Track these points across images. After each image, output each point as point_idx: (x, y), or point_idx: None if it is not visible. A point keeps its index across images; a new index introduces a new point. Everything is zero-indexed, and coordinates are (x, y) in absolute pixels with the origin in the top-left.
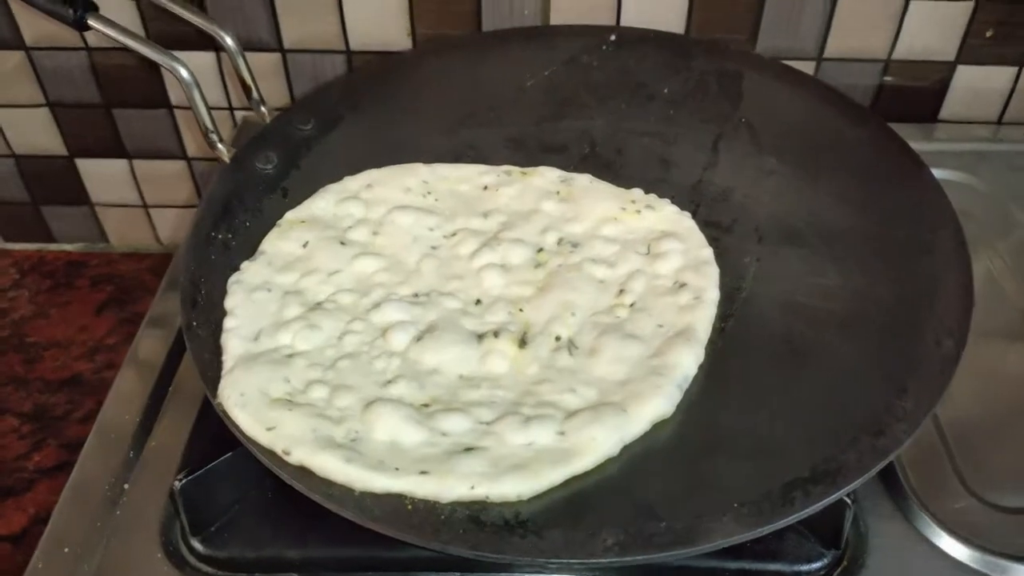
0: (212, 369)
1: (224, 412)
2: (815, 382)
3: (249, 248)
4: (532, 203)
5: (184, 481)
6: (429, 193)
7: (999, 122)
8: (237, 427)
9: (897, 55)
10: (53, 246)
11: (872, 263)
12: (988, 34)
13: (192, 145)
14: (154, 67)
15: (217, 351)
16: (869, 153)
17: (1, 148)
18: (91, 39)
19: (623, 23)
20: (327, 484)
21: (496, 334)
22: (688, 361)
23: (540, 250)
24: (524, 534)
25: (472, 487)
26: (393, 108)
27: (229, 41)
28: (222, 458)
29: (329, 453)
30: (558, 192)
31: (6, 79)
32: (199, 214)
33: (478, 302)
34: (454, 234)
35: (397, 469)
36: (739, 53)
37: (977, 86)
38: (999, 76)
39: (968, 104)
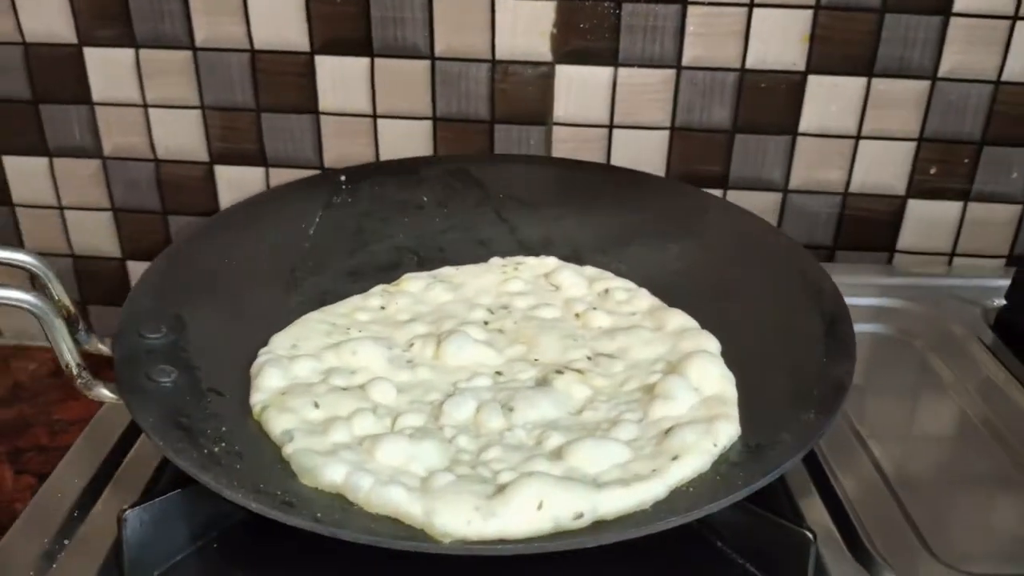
0: None
1: None
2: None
3: (250, 455)
4: (433, 298)
5: (133, 509)
6: (348, 328)
7: (952, 252)
8: None
9: (853, 188)
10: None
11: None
12: (932, 171)
13: None
14: (209, 179)
15: None
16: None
17: (64, 248)
18: (160, 151)
19: (614, 158)
20: None
21: (559, 372)
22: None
23: (486, 323)
24: None
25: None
26: (219, 287)
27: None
28: (175, 492)
29: None
30: (439, 281)
31: (83, 183)
32: (174, 460)
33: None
34: (412, 345)
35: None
36: (449, 156)
37: (928, 219)
38: (947, 210)
39: (922, 236)
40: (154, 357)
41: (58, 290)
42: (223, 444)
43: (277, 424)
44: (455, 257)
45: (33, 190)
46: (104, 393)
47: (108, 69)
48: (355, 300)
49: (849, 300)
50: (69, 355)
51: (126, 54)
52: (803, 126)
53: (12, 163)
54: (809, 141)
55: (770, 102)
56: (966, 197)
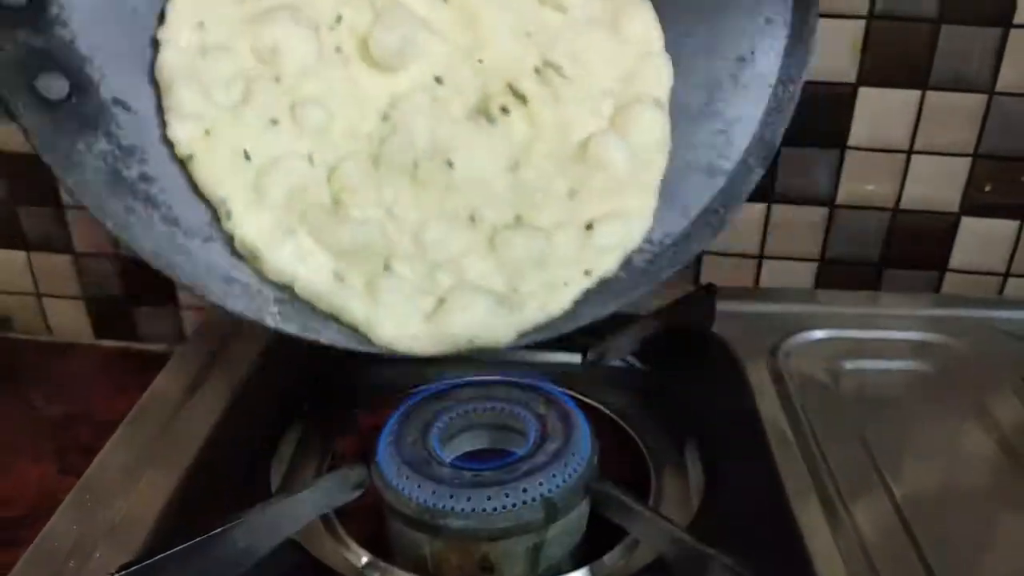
0: None
1: None
2: None
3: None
4: None
5: (122, 573)
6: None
7: (1007, 272)
8: None
9: (904, 204)
10: (137, 344)
11: None
12: (987, 188)
13: None
14: None
15: None
16: None
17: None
18: None
19: None
20: None
21: (503, 110)
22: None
23: None
24: None
25: None
26: None
27: None
28: (173, 550)
29: None
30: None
31: None
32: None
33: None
34: (339, 19)
35: None
36: None
37: (982, 237)
38: (1002, 228)
39: (975, 254)
40: (34, 56)
41: None
42: (161, 209)
43: (213, 189)
44: None
45: None
46: None
47: None
48: None
49: (891, 334)
50: None
51: None
52: (853, 139)
53: None
54: (859, 155)
55: (819, 114)
56: (1022, 216)
